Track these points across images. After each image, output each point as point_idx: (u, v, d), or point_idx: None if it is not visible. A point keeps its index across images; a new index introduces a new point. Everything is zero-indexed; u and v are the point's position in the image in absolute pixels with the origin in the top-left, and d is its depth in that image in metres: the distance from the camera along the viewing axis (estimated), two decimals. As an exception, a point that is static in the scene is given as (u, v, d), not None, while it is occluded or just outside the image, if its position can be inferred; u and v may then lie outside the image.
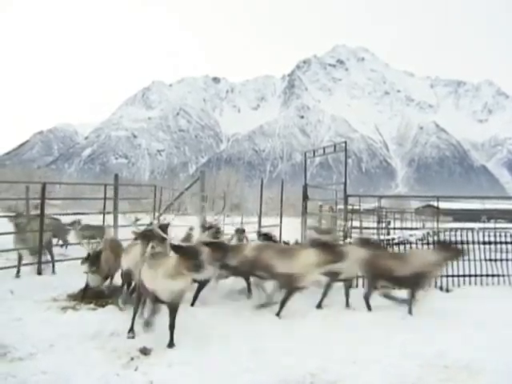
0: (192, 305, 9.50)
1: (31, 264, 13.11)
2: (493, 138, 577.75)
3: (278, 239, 15.64)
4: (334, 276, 9.73)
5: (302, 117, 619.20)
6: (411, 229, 20.12)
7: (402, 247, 13.28)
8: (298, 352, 6.66)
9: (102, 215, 14.64)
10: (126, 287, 9.67)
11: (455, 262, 12.56)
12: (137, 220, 12.08)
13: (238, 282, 11.31)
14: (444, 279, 12.40)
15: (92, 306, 9.32)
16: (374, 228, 20.12)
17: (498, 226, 23.40)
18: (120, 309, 8.92)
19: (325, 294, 9.80)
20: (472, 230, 13.42)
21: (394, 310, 9.20)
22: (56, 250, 15.59)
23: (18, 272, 12.50)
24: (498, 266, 12.83)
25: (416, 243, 13.07)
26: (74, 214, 16.02)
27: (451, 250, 9.50)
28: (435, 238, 13.23)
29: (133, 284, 9.24)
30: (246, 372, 5.87)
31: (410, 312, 9.03)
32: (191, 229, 14.06)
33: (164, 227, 9.99)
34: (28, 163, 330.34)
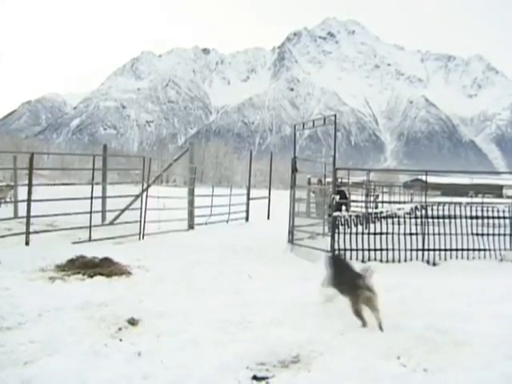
0: None
1: (19, 234, 13.08)
2: (482, 113, 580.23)
3: None
4: None
5: (292, 89, 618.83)
6: (399, 202, 20.24)
7: (389, 221, 13.35)
8: (286, 323, 6.71)
9: (90, 186, 14.56)
10: None
11: (442, 236, 12.67)
12: None
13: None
14: (431, 253, 12.48)
15: (80, 276, 9.33)
16: (362, 201, 20.21)
17: (485, 200, 23.58)
18: None
19: None
20: (460, 204, 13.48)
21: (383, 282, 9.26)
22: (45, 220, 15.60)
23: None
24: (484, 241, 12.91)
25: (404, 217, 13.13)
26: (63, 184, 15.93)
27: None
28: (423, 212, 13.30)
29: None
30: (234, 342, 5.90)
31: None
32: None
33: None
34: (15, 133, 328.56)
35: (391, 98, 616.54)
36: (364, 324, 6.55)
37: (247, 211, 23.48)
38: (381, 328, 6.40)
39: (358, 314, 6.61)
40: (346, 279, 7.01)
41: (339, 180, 17.79)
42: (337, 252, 8.22)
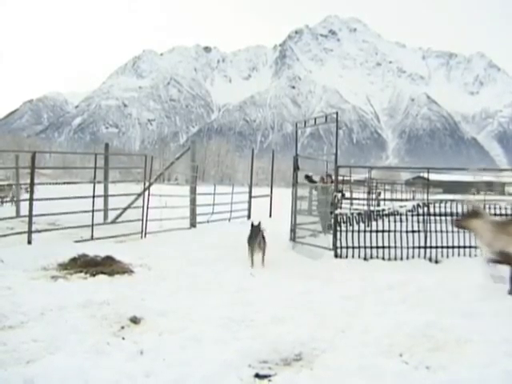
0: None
1: (21, 233, 13.09)
2: (484, 111, 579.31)
3: None
4: None
5: (294, 87, 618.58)
6: (401, 200, 20.23)
7: (391, 218, 13.34)
8: (287, 321, 6.71)
9: (92, 185, 14.56)
10: None
11: (444, 234, 12.65)
12: None
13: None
14: (433, 250, 12.48)
15: (82, 275, 9.36)
16: (364, 199, 20.19)
17: (487, 197, 23.55)
18: None
19: None
20: (462, 201, 13.45)
21: (385, 280, 9.25)
22: (47, 219, 15.61)
23: None
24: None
25: (406, 215, 13.11)
26: (65, 183, 15.94)
27: None
28: (425, 209, 13.28)
29: None
30: (237, 340, 5.91)
31: None
32: None
33: None
34: (17, 132, 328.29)
35: (393, 96, 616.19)
36: (252, 264, 11.33)
37: (249, 209, 23.46)
38: (263, 264, 11.51)
39: (251, 256, 11.50)
40: (252, 237, 11.69)
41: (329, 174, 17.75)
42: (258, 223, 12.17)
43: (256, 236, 11.68)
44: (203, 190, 21.95)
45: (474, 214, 9.21)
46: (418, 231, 12.66)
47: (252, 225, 12.15)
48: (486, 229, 8.81)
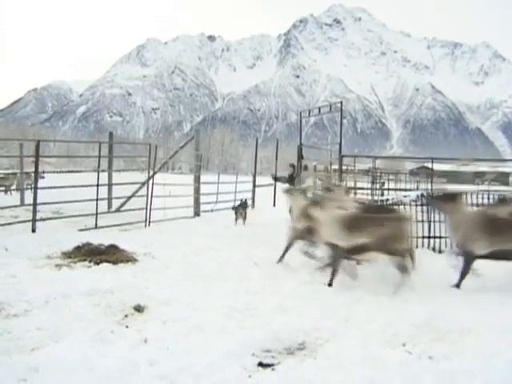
0: None
1: (26, 221, 13.11)
2: (488, 101, 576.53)
3: None
4: None
5: (298, 76, 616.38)
6: (405, 190, 20.17)
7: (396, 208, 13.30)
8: (291, 311, 6.72)
9: (96, 173, 14.56)
10: None
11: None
12: None
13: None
14: (437, 240, 12.46)
15: (86, 263, 9.37)
16: (368, 189, 20.16)
17: (491, 188, 23.48)
18: None
19: None
20: (466, 191, 13.41)
21: (389, 270, 9.24)
22: (52, 208, 15.62)
23: None
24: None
25: (410, 204, 13.08)
26: (69, 171, 15.95)
27: None
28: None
29: None
30: (241, 329, 5.93)
31: None
32: None
33: None
34: (22, 121, 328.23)
35: (397, 85, 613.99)
36: (235, 223, 16.24)
37: (253, 198, 23.46)
38: (244, 223, 16.46)
39: (236, 220, 16.29)
40: (239, 206, 16.67)
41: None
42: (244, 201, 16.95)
43: (239, 207, 17.01)
44: (207, 178, 21.94)
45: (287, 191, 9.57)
46: (422, 221, 12.65)
47: (241, 200, 17.70)
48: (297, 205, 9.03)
